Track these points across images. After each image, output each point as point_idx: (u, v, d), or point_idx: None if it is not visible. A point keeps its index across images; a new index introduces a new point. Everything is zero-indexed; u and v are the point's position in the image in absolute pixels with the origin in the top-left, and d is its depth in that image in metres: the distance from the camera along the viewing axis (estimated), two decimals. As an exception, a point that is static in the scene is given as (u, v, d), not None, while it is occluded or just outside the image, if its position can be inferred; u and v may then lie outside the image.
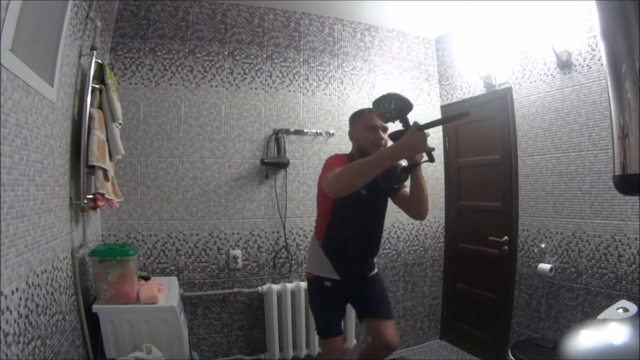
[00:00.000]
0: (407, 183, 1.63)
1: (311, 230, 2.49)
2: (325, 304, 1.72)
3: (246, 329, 2.43)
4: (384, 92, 1.37)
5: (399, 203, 1.72)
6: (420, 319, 2.91)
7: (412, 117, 1.34)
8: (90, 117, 1.61)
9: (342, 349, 1.72)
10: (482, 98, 2.64)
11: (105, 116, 1.72)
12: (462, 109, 2.74)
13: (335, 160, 1.56)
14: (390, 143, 1.37)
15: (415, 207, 1.63)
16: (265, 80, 2.51)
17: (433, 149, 1.29)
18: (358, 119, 1.69)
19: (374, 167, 1.27)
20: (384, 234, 2.72)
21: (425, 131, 1.22)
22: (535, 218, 2.29)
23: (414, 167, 1.52)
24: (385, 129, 1.63)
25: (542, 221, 2.24)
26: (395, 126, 1.36)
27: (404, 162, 1.52)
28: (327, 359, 1.71)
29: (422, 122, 1.24)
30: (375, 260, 1.83)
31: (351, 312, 2.36)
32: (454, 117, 1.28)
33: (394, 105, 1.32)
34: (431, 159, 1.35)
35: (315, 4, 2.52)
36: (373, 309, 1.73)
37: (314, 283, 1.73)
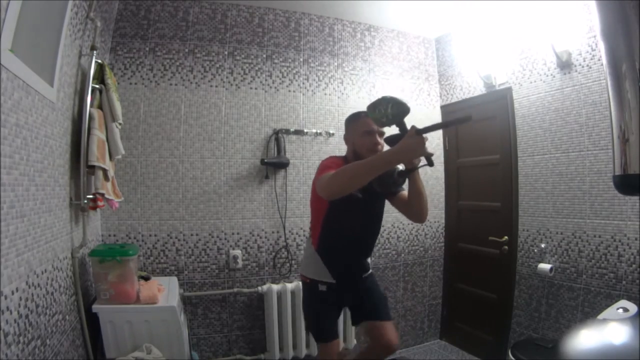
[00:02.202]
0: (406, 186, 1.61)
1: (310, 230, 2.49)
2: (321, 307, 1.68)
3: (246, 329, 2.43)
4: (380, 96, 1.35)
5: (398, 206, 1.69)
6: (420, 319, 2.91)
7: (412, 117, 1.32)
8: (90, 117, 1.61)
9: (338, 352, 1.69)
10: (482, 98, 2.64)
11: (105, 116, 1.72)
12: (462, 109, 2.77)
13: (330, 163, 1.53)
14: (386, 148, 1.35)
15: (414, 211, 1.60)
16: (265, 80, 2.51)
17: (432, 154, 1.27)
18: (354, 122, 1.66)
19: (370, 171, 1.25)
20: (384, 234, 2.73)
21: (424, 135, 1.19)
22: (535, 218, 2.29)
23: (412, 171, 1.48)
24: (382, 134, 1.60)
25: (542, 221, 2.24)
26: (391, 130, 1.35)
27: (401, 166, 1.49)
28: None
29: (422, 122, 1.23)
30: (369, 260, 1.81)
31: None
32: (453, 122, 1.25)
33: (390, 110, 1.30)
34: (430, 163, 1.31)
35: (315, 4, 2.52)
36: (371, 310, 1.72)
37: (309, 287, 1.70)
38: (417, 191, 1.55)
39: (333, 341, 1.66)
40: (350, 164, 1.32)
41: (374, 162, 1.25)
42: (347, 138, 1.70)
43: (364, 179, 1.26)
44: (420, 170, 1.50)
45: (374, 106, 1.35)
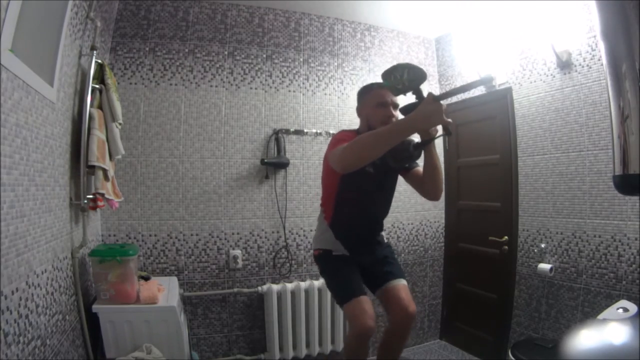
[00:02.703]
0: (420, 161, 1.55)
1: (311, 230, 2.49)
2: (340, 267, 1.60)
3: (246, 329, 2.43)
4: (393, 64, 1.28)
5: (412, 182, 1.64)
6: (420, 319, 2.91)
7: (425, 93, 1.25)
8: (90, 117, 1.61)
9: (370, 310, 1.47)
10: (482, 98, 2.64)
11: (105, 116, 1.72)
12: (462, 109, 2.76)
13: (343, 136, 1.47)
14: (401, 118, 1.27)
15: (429, 187, 1.54)
16: (265, 80, 2.51)
17: (450, 122, 1.19)
18: (367, 94, 1.60)
19: (385, 141, 1.19)
20: (385, 234, 2.73)
21: (442, 102, 1.14)
22: (535, 218, 2.29)
23: (428, 143, 1.39)
24: (396, 106, 1.52)
25: (542, 221, 2.24)
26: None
27: (416, 139, 1.40)
28: (355, 326, 1.44)
29: None
30: (383, 233, 1.76)
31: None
32: (473, 84, 1.19)
33: (407, 76, 1.24)
34: (448, 133, 1.23)
35: (315, 4, 2.52)
36: (383, 274, 1.63)
37: (324, 255, 1.64)
38: (432, 165, 1.49)
39: (360, 297, 1.49)
40: (364, 134, 1.26)
41: (390, 131, 1.19)
42: (360, 111, 1.64)
43: (380, 150, 1.21)
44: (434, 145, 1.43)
45: (388, 73, 1.29)
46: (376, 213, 1.68)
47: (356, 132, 1.61)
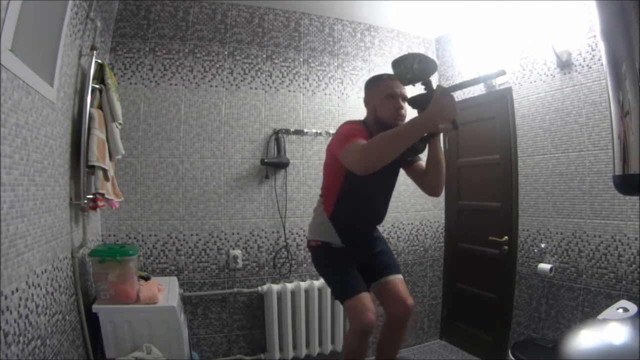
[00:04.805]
0: (423, 156, 1.54)
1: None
2: (340, 262, 1.58)
3: (246, 329, 2.43)
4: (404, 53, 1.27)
5: (413, 177, 1.62)
6: (420, 319, 2.91)
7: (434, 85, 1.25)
8: (90, 117, 1.61)
9: (372, 306, 1.47)
10: (482, 98, 2.64)
11: (105, 116, 1.72)
12: (462, 109, 2.75)
13: (352, 130, 1.41)
14: (409, 110, 1.25)
15: (431, 181, 1.52)
16: (265, 80, 2.51)
17: (457, 113, 1.18)
18: (376, 85, 1.56)
19: (405, 139, 1.17)
20: (384, 234, 2.73)
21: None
22: (535, 218, 2.29)
23: (434, 136, 1.38)
24: (404, 98, 1.49)
25: (542, 221, 2.24)
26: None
27: None
28: (357, 321, 1.44)
29: None
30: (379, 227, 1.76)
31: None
32: (485, 77, 1.18)
33: (417, 65, 1.22)
34: (455, 126, 1.21)
35: (315, 4, 2.52)
36: (381, 269, 1.63)
37: (321, 248, 1.62)
38: (436, 159, 1.47)
39: (361, 293, 1.48)
40: (382, 135, 1.23)
41: (408, 129, 1.18)
42: (368, 102, 1.60)
43: (399, 149, 1.19)
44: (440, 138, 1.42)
45: (398, 62, 1.27)
46: (378, 207, 1.67)
47: (362, 123, 1.57)
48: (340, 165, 1.40)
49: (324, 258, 1.65)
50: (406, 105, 1.49)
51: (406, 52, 2.94)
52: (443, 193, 2.94)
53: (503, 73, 1.12)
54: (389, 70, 2.89)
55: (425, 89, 1.25)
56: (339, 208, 1.60)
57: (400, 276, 1.64)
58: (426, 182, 1.55)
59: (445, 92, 1.15)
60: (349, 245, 1.62)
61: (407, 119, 1.31)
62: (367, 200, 1.60)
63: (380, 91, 1.53)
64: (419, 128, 1.18)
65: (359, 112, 2.37)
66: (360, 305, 1.44)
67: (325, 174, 1.68)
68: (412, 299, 1.58)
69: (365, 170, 1.25)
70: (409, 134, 1.18)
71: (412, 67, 1.23)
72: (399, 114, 1.48)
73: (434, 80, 3.01)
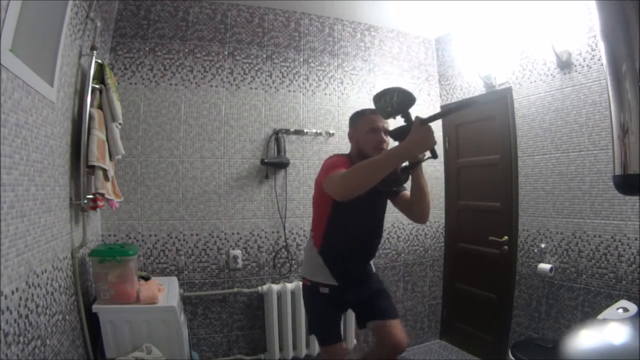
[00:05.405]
0: (407, 186, 1.59)
1: (311, 230, 2.49)
2: (324, 310, 1.65)
3: (246, 329, 2.43)
4: (384, 88, 1.33)
5: (400, 207, 1.67)
6: (420, 319, 2.91)
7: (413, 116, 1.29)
8: (90, 117, 1.61)
9: (343, 355, 1.67)
10: (482, 98, 2.64)
11: (105, 116, 1.72)
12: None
13: (336, 162, 1.48)
14: (391, 143, 1.33)
15: (417, 210, 1.57)
16: (265, 80, 2.51)
17: (435, 142, 1.24)
18: (359, 120, 1.62)
19: (382, 168, 1.22)
20: (384, 234, 2.73)
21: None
22: (535, 218, 2.29)
23: (415, 166, 1.44)
24: (387, 131, 1.56)
25: (542, 221, 2.24)
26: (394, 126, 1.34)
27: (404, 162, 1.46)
28: None
29: None
30: (372, 262, 1.79)
31: (351, 312, 2.35)
32: (456, 108, 1.23)
33: (396, 98, 1.27)
34: (434, 155, 1.28)
35: (315, 4, 2.52)
36: (378, 310, 1.68)
37: (311, 289, 1.67)
38: (420, 187, 1.51)
39: (337, 344, 1.64)
40: (362, 163, 1.29)
41: (386, 158, 1.23)
42: (352, 136, 1.66)
43: (377, 177, 1.23)
44: (422, 167, 1.47)
45: (379, 96, 1.33)
46: (368, 240, 1.69)
47: (348, 157, 1.62)
48: (327, 197, 1.43)
49: (310, 299, 1.70)
50: (389, 139, 1.53)
51: (406, 52, 2.94)
52: (443, 193, 2.96)
53: (474, 103, 1.19)
54: (389, 70, 2.90)
55: (405, 121, 1.31)
56: (328, 240, 1.62)
57: (398, 320, 1.70)
58: (412, 211, 1.60)
59: (424, 122, 1.19)
60: (341, 281, 1.62)
61: None
62: (356, 232, 1.62)
63: (363, 125, 1.59)
64: (397, 157, 1.24)
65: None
66: (332, 355, 1.62)
67: (314, 208, 1.71)
68: (407, 338, 1.68)
69: (345, 195, 1.29)
70: (387, 162, 1.23)
71: (392, 100, 1.29)
72: (381, 147, 1.54)
73: (435, 80, 3.01)
